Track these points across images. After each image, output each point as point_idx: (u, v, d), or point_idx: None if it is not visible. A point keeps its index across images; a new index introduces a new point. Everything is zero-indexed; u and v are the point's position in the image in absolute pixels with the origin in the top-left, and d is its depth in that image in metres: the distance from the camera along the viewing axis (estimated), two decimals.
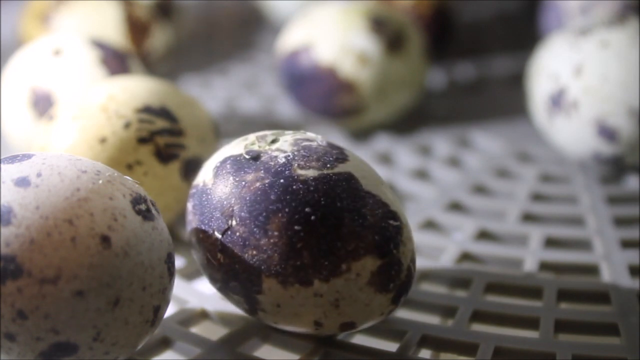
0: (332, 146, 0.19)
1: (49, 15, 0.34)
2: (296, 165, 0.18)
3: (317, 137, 0.19)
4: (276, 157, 0.18)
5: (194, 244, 0.19)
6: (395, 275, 0.18)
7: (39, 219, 0.16)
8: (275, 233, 0.17)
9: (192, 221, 0.19)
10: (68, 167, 0.17)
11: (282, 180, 0.18)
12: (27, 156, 0.17)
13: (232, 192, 0.18)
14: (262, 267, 0.18)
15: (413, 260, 0.19)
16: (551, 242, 0.25)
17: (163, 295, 0.17)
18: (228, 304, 0.21)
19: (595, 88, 0.26)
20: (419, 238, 0.25)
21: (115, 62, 0.27)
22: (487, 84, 0.38)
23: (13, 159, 0.17)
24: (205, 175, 0.19)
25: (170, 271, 0.18)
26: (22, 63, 0.27)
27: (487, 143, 0.32)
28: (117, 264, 0.16)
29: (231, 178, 0.18)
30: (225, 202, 0.18)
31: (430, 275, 0.23)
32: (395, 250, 0.18)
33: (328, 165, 0.18)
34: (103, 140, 0.22)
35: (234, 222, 0.18)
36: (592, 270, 0.24)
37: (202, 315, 0.21)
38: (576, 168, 0.30)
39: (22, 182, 0.16)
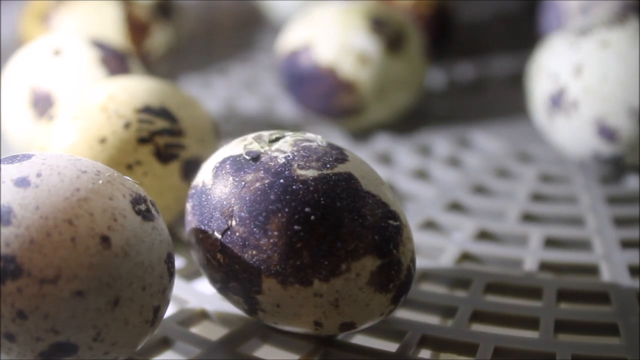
0: (332, 146, 0.19)
1: (49, 15, 0.34)
2: (296, 165, 0.18)
3: (317, 137, 0.19)
4: (276, 157, 0.18)
5: (194, 244, 0.19)
6: (395, 275, 0.18)
7: (39, 219, 0.16)
8: (275, 233, 0.17)
9: (192, 221, 0.19)
10: (68, 167, 0.17)
11: (281, 181, 0.18)
12: (27, 156, 0.17)
13: (231, 192, 0.18)
14: (262, 267, 0.18)
15: (413, 260, 0.19)
16: (551, 242, 0.25)
17: (163, 295, 0.17)
18: (228, 304, 0.21)
19: (595, 88, 0.26)
20: (419, 238, 0.25)
21: (115, 62, 0.27)
22: (487, 84, 0.38)
23: (13, 159, 0.17)
24: (204, 176, 0.19)
25: (170, 271, 0.18)
26: (22, 63, 0.27)
27: (487, 143, 0.32)
28: (117, 264, 0.16)
29: (231, 178, 0.18)
30: (224, 202, 0.18)
31: (430, 275, 0.23)
32: (395, 250, 0.18)
33: (328, 166, 0.18)
34: (103, 140, 0.22)
35: (233, 222, 0.18)
36: (592, 270, 0.24)
37: (202, 315, 0.21)
38: (576, 168, 0.30)
39: (22, 182, 0.16)
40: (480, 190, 0.29)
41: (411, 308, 0.22)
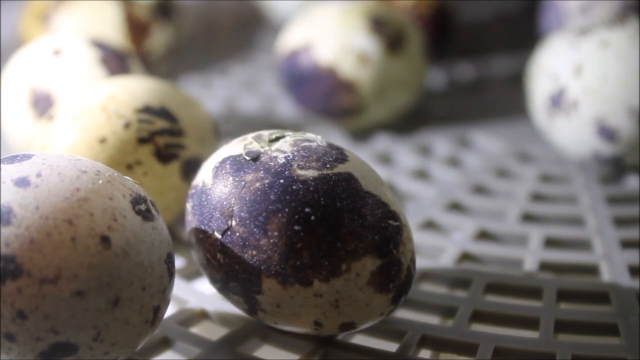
0: (332, 146, 0.19)
1: (49, 15, 0.34)
2: (296, 165, 0.18)
3: (317, 137, 0.19)
4: (276, 157, 0.18)
5: (194, 244, 0.19)
6: (395, 275, 0.18)
7: (39, 219, 0.16)
8: (275, 233, 0.17)
9: (192, 221, 0.19)
10: (68, 167, 0.17)
11: (281, 181, 0.18)
12: (27, 156, 0.17)
13: (231, 192, 0.18)
14: (262, 267, 0.18)
15: (413, 260, 0.19)
16: (551, 242, 0.25)
17: (163, 295, 0.17)
18: (228, 304, 0.21)
19: (595, 88, 0.26)
20: (419, 238, 0.25)
21: (115, 62, 0.27)
22: (487, 84, 0.38)
23: (13, 159, 0.17)
24: (204, 176, 0.19)
25: (170, 271, 0.18)
26: (22, 63, 0.27)
27: (487, 143, 0.32)
28: (117, 264, 0.16)
29: (231, 178, 0.18)
30: (225, 203, 0.18)
31: (430, 275, 0.23)
32: (395, 250, 0.18)
33: (328, 166, 0.18)
34: (103, 140, 0.22)
35: (233, 223, 0.18)
36: (592, 270, 0.24)
37: (202, 315, 0.21)
38: (576, 168, 0.30)
39: (22, 182, 0.16)
40: (480, 190, 0.29)
41: (411, 308, 0.22)
